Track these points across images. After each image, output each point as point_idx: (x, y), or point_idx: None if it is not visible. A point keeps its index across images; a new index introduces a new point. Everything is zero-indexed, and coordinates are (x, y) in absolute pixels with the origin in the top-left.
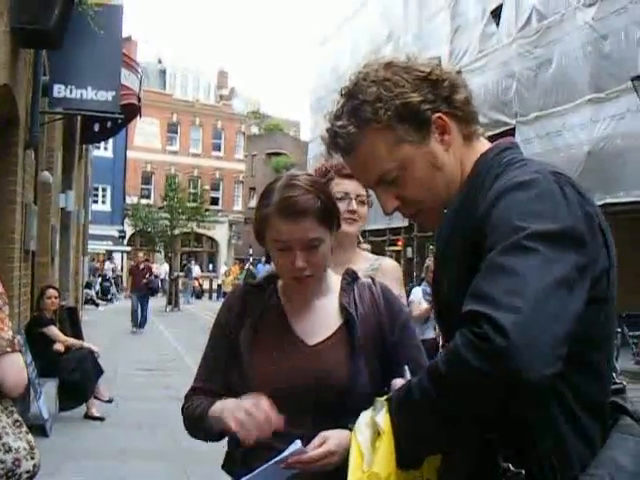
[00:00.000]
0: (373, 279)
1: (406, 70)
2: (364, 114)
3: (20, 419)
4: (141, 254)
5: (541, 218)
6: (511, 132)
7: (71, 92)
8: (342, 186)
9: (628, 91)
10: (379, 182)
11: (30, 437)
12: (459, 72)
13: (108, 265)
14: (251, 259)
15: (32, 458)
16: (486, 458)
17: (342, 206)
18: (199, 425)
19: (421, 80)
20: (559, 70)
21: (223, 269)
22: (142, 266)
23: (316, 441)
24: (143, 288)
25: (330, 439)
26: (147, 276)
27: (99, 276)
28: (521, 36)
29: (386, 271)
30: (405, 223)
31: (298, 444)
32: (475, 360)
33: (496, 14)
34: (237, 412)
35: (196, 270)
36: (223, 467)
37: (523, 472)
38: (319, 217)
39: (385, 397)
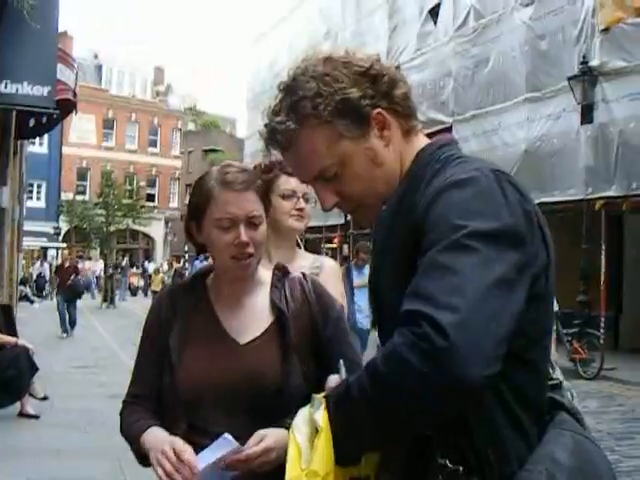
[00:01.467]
0: (304, 274)
1: (345, 65)
2: (303, 110)
3: None
4: (66, 252)
5: (480, 217)
6: (448, 130)
7: (6, 87)
8: (289, 184)
9: (564, 90)
10: (318, 178)
11: None
12: (398, 67)
13: (37, 266)
14: (186, 256)
15: None
16: (423, 454)
17: (289, 204)
18: (131, 444)
19: (360, 75)
20: (496, 69)
21: (151, 267)
22: (67, 264)
23: (253, 439)
24: (68, 290)
25: (267, 437)
26: (72, 277)
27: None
28: (458, 35)
29: (329, 270)
30: (341, 220)
31: (230, 440)
32: (415, 360)
33: (434, 12)
34: (162, 459)
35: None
36: None
37: (461, 468)
38: (260, 194)
39: (323, 394)
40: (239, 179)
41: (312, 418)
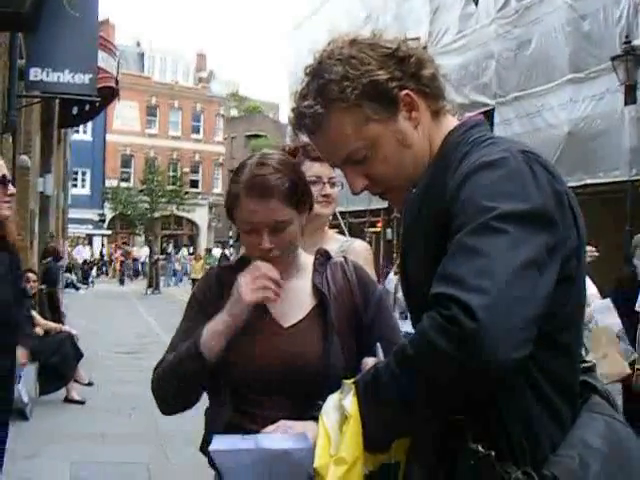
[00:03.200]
0: (345, 258)
1: (372, 47)
2: (330, 93)
3: None
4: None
5: (510, 198)
6: (490, 113)
7: (48, 75)
8: (313, 170)
9: (607, 71)
10: (347, 161)
11: None
12: (425, 48)
13: (79, 251)
14: (231, 241)
15: None
16: (455, 440)
17: (315, 190)
18: (183, 370)
19: (387, 57)
20: (538, 50)
21: (183, 253)
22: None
23: (272, 427)
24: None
25: (286, 422)
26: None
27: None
28: (500, 16)
29: (355, 253)
30: (385, 204)
31: (307, 440)
32: (444, 343)
33: None
34: (249, 284)
35: (183, 252)
36: (201, 449)
37: (493, 453)
38: (286, 198)
39: (352, 380)
40: (265, 185)
41: (341, 404)
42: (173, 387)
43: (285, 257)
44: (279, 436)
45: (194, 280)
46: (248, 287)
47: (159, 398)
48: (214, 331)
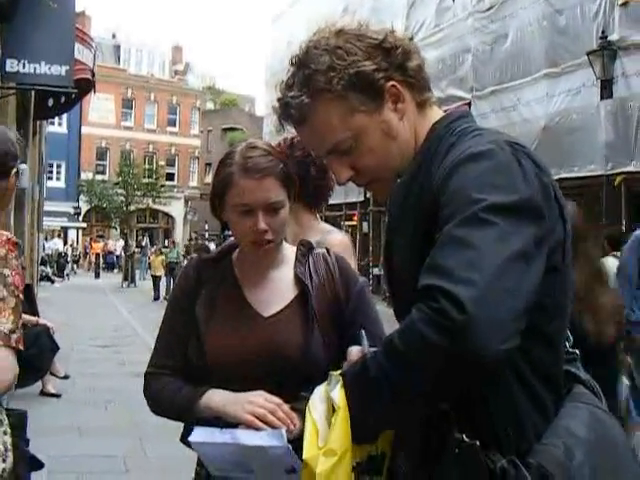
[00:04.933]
0: (328, 249)
1: (358, 37)
2: (317, 84)
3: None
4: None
5: (498, 190)
6: (467, 106)
7: (24, 66)
8: None
9: (583, 66)
10: (332, 152)
11: (7, 438)
12: (411, 39)
13: (51, 244)
14: (207, 234)
15: (3, 461)
16: (440, 429)
17: None
18: (181, 413)
19: (374, 48)
20: (515, 44)
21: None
22: None
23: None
24: None
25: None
26: None
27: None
28: (477, 10)
29: (331, 246)
30: (361, 198)
31: (283, 438)
32: (433, 335)
33: None
34: (249, 406)
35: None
36: (182, 440)
37: (478, 443)
38: (281, 179)
39: (339, 372)
40: (260, 165)
41: (329, 396)
42: (166, 412)
43: (275, 245)
44: (255, 432)
45: (154, 277)
46: (253, 409)
47: (152, 406)
48: (208, 408)
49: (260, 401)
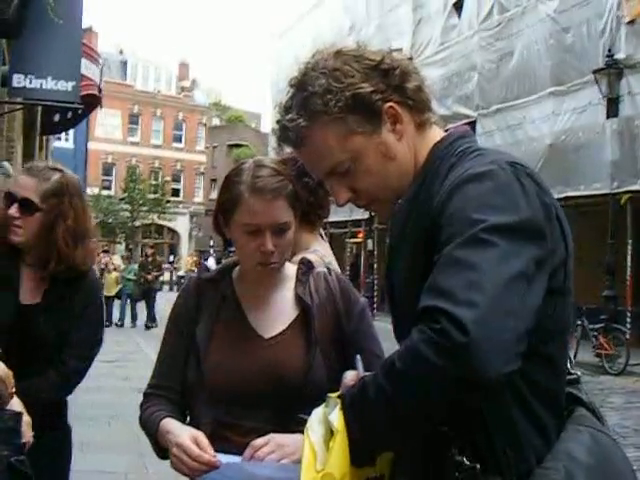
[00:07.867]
0: (329, 268)
1: (356, 59)
2: (314, 106)
3: None
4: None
5: (499, 211)
6: (472, 125)
7: (31, 82)
8: None
9: (590, 84)
10: (331, 174)
11: None
12: (410, 59)
13: None
14: (211, 250)
15: None
16: (440, 452)
17: None
18: (150, 435)
19: (371, 69)
20: (521, 63)
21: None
22: None
23: (248, 451)
24: None
25: (276, 437)
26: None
27: None
28: (483, 28)
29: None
30: (366, 215)
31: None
32: (434, 356)
33: (458, 6)
34: (173, 447)
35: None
36: None
37: (478, 466)
38: (290, 200)
39: (338, 394)
40: (269, 186)
41: (327, 419)
42: (151, 435)
43: (279, 266)
44: (263, 463)
45: (106, 298)
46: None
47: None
48: (161, 436)
49: (184, 443)
